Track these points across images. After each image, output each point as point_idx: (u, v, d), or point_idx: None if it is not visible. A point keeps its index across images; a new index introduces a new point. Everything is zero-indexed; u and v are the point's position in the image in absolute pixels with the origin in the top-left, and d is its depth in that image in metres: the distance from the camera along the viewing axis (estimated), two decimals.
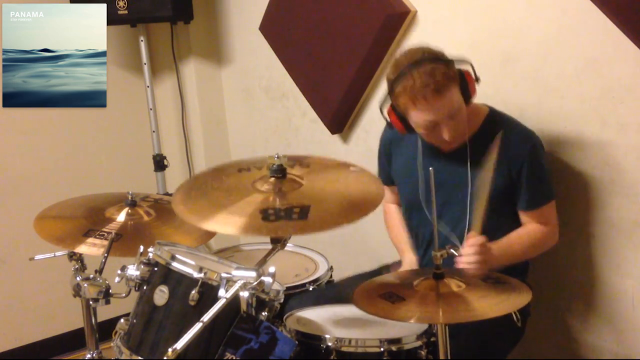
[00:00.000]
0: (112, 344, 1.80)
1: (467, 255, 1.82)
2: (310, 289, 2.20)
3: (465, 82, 1.98)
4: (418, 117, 1.96)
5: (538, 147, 2.05)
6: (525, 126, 2.09)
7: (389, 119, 2.07)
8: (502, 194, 2.02)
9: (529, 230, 2.06)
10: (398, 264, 2.28)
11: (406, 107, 1.96)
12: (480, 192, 1.89)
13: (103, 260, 2.00)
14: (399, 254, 2.28)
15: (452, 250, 1.71)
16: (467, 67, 2.00)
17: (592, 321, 2.25)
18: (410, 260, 2.18)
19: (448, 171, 2.07)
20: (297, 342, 1.68)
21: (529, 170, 2.01)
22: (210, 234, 2.26)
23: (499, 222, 2.03)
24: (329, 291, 2.18)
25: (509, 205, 2.06)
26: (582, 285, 2.26)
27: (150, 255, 1.79)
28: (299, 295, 2.15)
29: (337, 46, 2.74)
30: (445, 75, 1.91)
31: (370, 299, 1.65)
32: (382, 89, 2.69)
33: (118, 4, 3.11)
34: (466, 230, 1.98)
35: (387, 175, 2.31)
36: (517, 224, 2.09)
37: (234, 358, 1.56)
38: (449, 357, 1.62)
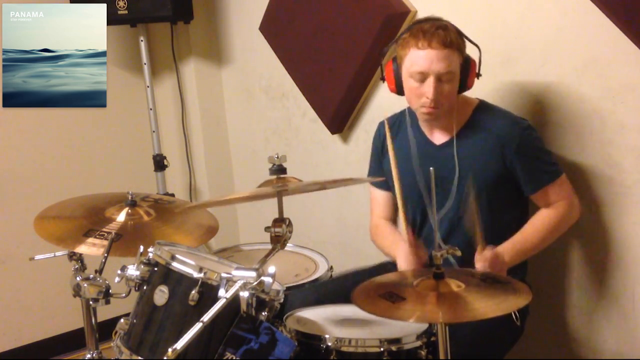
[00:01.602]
0: (112, 344, 1.80)
1: (478, 269, 1.86)
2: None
3: (467, 66, 1.99)
4: (413, 60, 1.95)
5: (529, 130, 2.05)
6: (515, 114, 2.10)
7: (384, 73, 2.09)
8: (499, 179, 2.03)
9: (544, 218, 2.05)
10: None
11: (407, 48, 1.96)
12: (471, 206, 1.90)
13: (103, 260, 2.00)
14: (392, 257, 2.17)
15: (452, 250, 1.71)
16: (476, 57, 2.02)
17: (592, 321, 2.25)
18: (402, 256, 2.05)
19: (440, 163, 2.07)
20: (296, 343, 1.68)
21: (522, 153, 2.01)
22: (211, 234, 2.26)
23: (503, 208, 2.05)
24: (330, 286, 2.18)
25: (509, 191, 2.06)
26: (581, 285, 2.27)
27: (150, 255, 1.79)
28: (299, 291, 2.15)
29: (337, 46, 2.74)
30: (456, 39, 1.95)
31: (370, 298, 1.65)
32: (383, 88, 2.69)
33: (118, 4, 3.11)
34: (463, 219, 1.99)
35: (377, 175, 2.29)
36: (522, 207, 2.10)
37: (234, 358, 1.56)
38: (449, 357, 1.62)
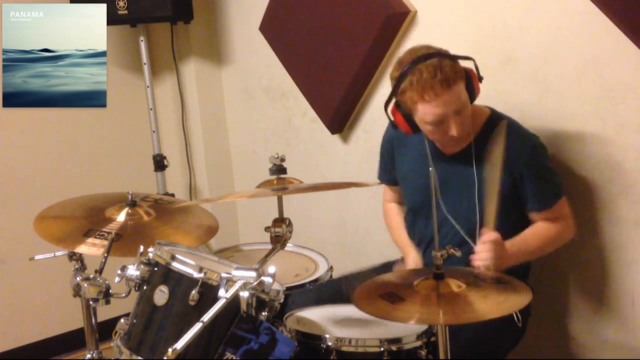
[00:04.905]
0: (112, 344, 1.80)
1: (480, 252, 1.83)
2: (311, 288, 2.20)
3: (470, 80, 1.98)
4: (426, 112, 1.93)
5: (539, 148, 2.04)
6: (526, 128, 2.09)
7: (393, 119, 2.06)
8: (507, 196, 2.01)
9: (545, 228, 2.05)
10: (402, 261, 2.27)
11: (413, 102, 1.94)
12: (489, 189, 1.88)
13: (103, 260, 2.00)
14: (402, 253, 2.27)
15: (452, 251, 1.71)
16: (471, 66, 2.01)
17: (592, 321, 2.25)
18: (414, 259, 2.16)
19: (453, 173, 2.07)
20: (296, 343, 1.68)
21: (531, 171, 2.00)
22: (211, 234, 2.26)
23: (508, 224, 2.03)
24: (330, 287, 2.18)
25: (515, 207, 2.05)
26: (582, 285, 2.27)
27: (150, 255, 1.79)
28: (299, 293, 2.15)
29: (337, 46, 2.73)
30: (453, 69, 1.92)
31: (370, 299, 1.65)
32: (383, 89, 2.69)
33: (118, 4, 3.11)
34: (477, 230, 1.97)
35: (389, 175, 2.31)
36: (526, 224, 2.09)
37: (234, 358, 1.56)
38: (449, 357, 1.62)
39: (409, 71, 1.92)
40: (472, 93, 2.00)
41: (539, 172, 2.02)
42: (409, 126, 2.03)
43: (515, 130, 2.06)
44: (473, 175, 2.03)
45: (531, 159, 2.01)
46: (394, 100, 2.03)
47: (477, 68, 2.01)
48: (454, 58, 1.95)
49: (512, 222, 2.05)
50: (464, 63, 1.99)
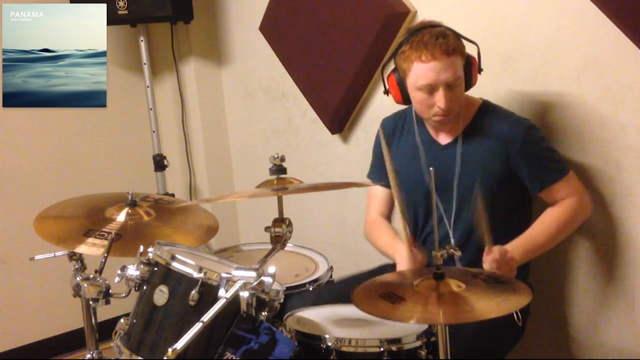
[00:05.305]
0: (112, 344, 1.80)
1: (490, 270, 1.83)
2: (310, 289, 2.20)
3: (469, 65, 2.00)
4: (419, 73, 1.94)
5: (532, 130, 2.05)
6: (517, 114, 2.10)
7: (387, 85, 2.08)
8: (503, 180, 2.03)
9: (553, 215, 2.03)
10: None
11: (409, 62, 1.95)
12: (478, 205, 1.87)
13: (103, 260, 2.00)
14: (389, 256, 2.18)
15: (452, 250, 1.71)
16: (474, 53, 2.03)
17: (592, 321, 2.25)
18: (402, 258, 2.03)
19: (445, 163, 2.08)
20: (296, 343, 1.68)
21: (526, 153, 2.01)
22: (211, 234, 2.26)
23: (505, 209, 2.04)
24: (329, 290, 2.18)
25: (511, 193, 2.06)
26: (582, 285, 2.27)
27: (150, 255, 1.79)
28: (299, 295, 2.15)
29: (337, 46, 2.74)
30: (455, 42, 1.95)
31: (370, 299, 1.65)
32: (383, 89, 2.69)
33: (118, 4, 3.11)
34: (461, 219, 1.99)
35: (383, 174, 2.29)
36: (525, 209, 2.10)
37: (234, 358, 1.57)
38: (449, 357, 1.61)
39: (413, 35, 1.95)
40: (469, 80, 2.01)
41: (535, 152, 2.03)
42: (400, 94, 2.04)
43: (508, 116, 2.08)
44: (459, 166, 2.05)
45: (525, 142, 2.01)
46: (392, 68, 2.05)
47: (479, 57, 2.03)
48: (460, 36, 1.98)
49: (510, 206, 2.06)
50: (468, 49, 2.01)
